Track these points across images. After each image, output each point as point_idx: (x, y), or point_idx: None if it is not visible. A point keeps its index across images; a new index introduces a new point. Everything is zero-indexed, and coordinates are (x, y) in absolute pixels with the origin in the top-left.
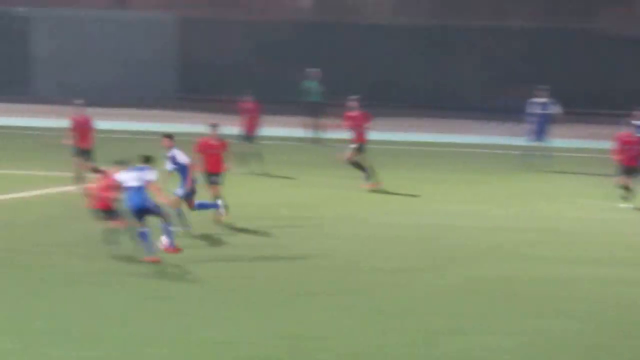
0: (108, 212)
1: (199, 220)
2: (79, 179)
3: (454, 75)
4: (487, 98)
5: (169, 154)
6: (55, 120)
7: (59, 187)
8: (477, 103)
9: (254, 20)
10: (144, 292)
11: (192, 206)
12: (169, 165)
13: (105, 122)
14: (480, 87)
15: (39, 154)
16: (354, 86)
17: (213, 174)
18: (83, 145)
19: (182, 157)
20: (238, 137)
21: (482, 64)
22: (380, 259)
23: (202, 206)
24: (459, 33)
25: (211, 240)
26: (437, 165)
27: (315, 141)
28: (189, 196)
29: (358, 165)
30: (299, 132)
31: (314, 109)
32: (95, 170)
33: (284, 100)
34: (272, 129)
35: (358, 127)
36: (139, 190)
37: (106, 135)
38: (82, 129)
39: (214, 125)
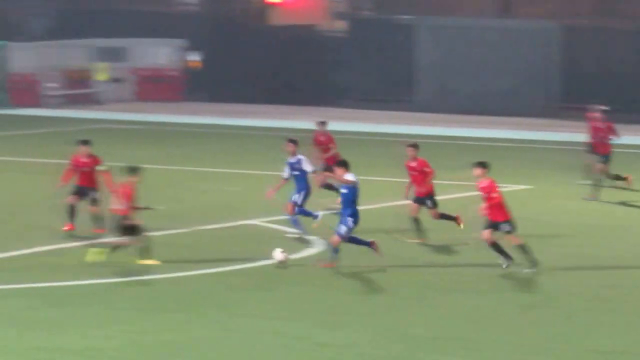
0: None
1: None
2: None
3: None
4: None
5: (292, 159)
6: (434, 128)
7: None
8: None
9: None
10: (518, 299)
11: (292, 211)
12: (286, 172)
13: (486, 130)
14: None
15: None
16: None
17: (420, 197)
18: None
19: (307, 165)
20: (585, 147)
21: None
22: None
23: (303, 213)
24: None
25: (541, 248)
26: None
27: None
28: (300, 201)
29: (616, 177)
30: None
31: None
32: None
33: None
34: None
35: (604, 138)
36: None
37: (479, 143)
38: (325, 147)
39: (414, 146)
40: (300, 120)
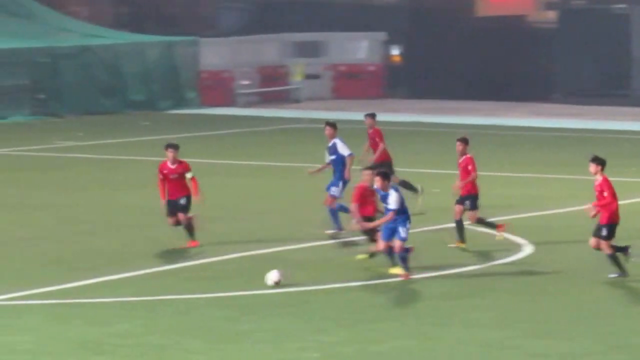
0: None
1: None
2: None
3: None
4: None
5: (329, 143)
6: None
7: None
8: None
9: None
10: None
11: (332, 203)
12: (327, 157)
13: None
14: None
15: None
16: None
17: (461, 197)
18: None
19: (342, 148)
20: None
21: None
22: None
23: (343, 209)
24: None
25: None
26: None
27: None
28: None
29: None
30: None
31: None
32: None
33: None
34: None
35: None
36: None
37: None
38: (372, 142)
39: (462, 140)
40: (508, 117)
